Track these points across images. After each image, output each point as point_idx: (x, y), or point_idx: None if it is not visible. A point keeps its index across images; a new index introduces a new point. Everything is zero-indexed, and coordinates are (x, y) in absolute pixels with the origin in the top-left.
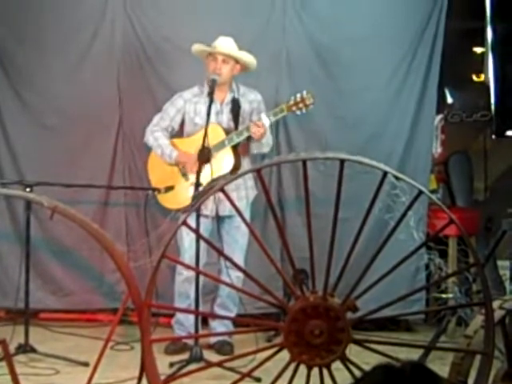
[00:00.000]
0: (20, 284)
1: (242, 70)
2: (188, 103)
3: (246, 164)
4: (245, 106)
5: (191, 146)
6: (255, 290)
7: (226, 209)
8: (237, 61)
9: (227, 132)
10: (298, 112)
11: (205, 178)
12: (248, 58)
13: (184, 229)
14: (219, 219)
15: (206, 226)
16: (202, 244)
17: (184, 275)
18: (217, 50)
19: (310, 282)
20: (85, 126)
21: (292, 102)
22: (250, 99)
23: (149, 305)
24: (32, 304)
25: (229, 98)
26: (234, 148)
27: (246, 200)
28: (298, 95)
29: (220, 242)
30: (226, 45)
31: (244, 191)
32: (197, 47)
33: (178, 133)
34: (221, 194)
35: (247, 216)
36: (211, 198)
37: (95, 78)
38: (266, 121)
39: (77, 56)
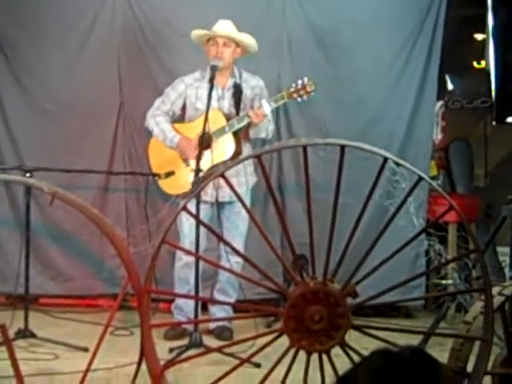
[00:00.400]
0: (20, 269)
1: (243, 54)
2: (189, 88)
3: (246, 150)
4: (246, 92)
5: (192, 130)
6: (255, 275)
7: (225, 194)
8: (237, 44)
9: (228, 118)
10: (299, 99)
11: (205, 164)
12: (249, 39)
13: (184, 214)
14: (219, 205)
15: (206, 212)
16: (202, 229)
17: (184, 260)
18: (217, 33)
19: (309, 268)
20: (85, 111)
21: (293, 89)
22: (252, 85)
23: (148, 290)
24: (32, 289)
25: (230, 83)
26: (235, 134)
27: (245, 186)
28: (300, 82)
29: (220, 228)
30: (226, 27)
31: (244, 177)
32: (197, 32)
33: (180, 117)
34: (220, 180)
35: (247, 202)
36: (211, 183)
37: (95, 63)
38: (267, 107)
39: (77, 42)
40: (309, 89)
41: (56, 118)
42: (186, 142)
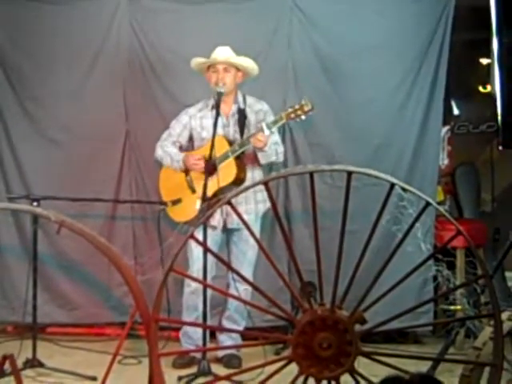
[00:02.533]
0: (28, 298)
1: (244, 77)
2: (193, 119)
3: (257, 176)
4: (251, 117)
5: None
6: (263, 302)
7: (234, 221)
8: (237, 68)
9: (232, 143)
10: (298, 119)
11: (210, 189)
12: (248, 62)
13: (193, 241)
14: (228, 231)
15: (215, 239)
16: (210, 257)
17: (192, 287)
18: (216, 59)
19: (317, 295)
20: (91, 139)
21: (290, 110)
22: (257, 109)
23: (156, 319)
24: (39, 318)
25: (234, 109)
26: (238, 159)
27: (254, 213)
28: (297, 102)
29: (228, 255)
30: (224, 53)
31: (253, 204)
32: (196, 60)
33: (188, 148)
34: (229, 207)
35: (256, 229)
36: (218, 210)
37: (101, 92)
38: (266, 130)
39: (83, 70)
40: (306, 108)
41: (63, 147)
42: (190, 156)
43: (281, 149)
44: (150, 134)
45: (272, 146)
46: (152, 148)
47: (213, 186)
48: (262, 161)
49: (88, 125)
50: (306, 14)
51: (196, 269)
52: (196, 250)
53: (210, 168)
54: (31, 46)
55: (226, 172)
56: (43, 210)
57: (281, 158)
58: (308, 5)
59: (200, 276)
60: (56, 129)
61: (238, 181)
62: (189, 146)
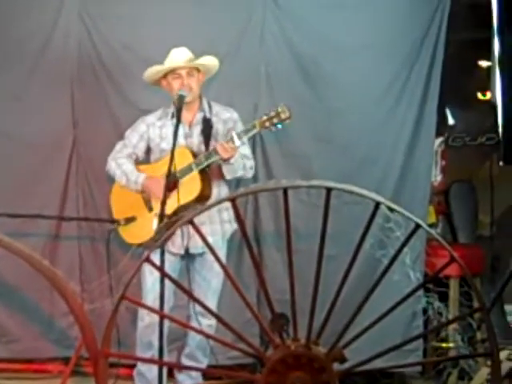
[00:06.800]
0: None
1: (204, 78)
2: (152, 128)
3: (223, 193)
4: (218, 127)
5: (158, 171)
6: (228, 336)
7: (197, 245)
8: (197, 70)
9: (197, 156)
10: (273, 128)
11: (170, 208)
12: (211, 61)
13: (147, 267)
14: (189, 257)
15: (173, 265)
16: (168, 284)
17: (146, 321)
18: (179, 64)
19: (290, 328)
20: (33, 148)
21: (265, 118)
22: (225, 118)
23: (106, 353)
24: None
25: (198, 118)
26: (203, 173)
27: (221, 235)
28: (273, 109)
29: (189, 284)
30: (184, 56)
31: (219, 225)
32: (152, 70)
33: (145, 161)
34: (191, 229)
35: (223, 254)
36: (178, 232)
37: (46, 94)
38: (237, 141)
39: (25, 69)
40: (283, 116)
41: (0, 156)
42: (153, 181)
43: (250, 163)
44: (101, 142)
45: (239, 160)
46: (103, 158)
47: (173, 203)
48: (227, 175)
49: (30, 131)
50: (281, 7)
51: (150, 300)
52: (150, 279)
53: (171, 183)
54: None
55: (189, 187)
56: None
57: (250, 173)
58: None
59: (155, 307)
60: None
61: (203, 198)
62: (145, 158)
